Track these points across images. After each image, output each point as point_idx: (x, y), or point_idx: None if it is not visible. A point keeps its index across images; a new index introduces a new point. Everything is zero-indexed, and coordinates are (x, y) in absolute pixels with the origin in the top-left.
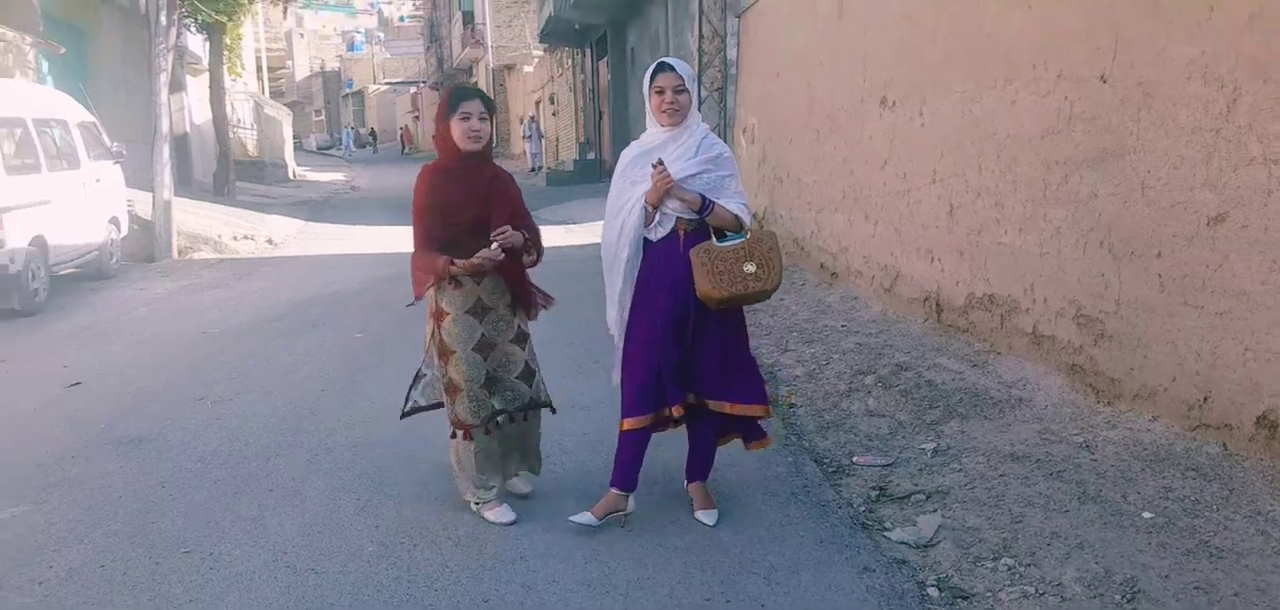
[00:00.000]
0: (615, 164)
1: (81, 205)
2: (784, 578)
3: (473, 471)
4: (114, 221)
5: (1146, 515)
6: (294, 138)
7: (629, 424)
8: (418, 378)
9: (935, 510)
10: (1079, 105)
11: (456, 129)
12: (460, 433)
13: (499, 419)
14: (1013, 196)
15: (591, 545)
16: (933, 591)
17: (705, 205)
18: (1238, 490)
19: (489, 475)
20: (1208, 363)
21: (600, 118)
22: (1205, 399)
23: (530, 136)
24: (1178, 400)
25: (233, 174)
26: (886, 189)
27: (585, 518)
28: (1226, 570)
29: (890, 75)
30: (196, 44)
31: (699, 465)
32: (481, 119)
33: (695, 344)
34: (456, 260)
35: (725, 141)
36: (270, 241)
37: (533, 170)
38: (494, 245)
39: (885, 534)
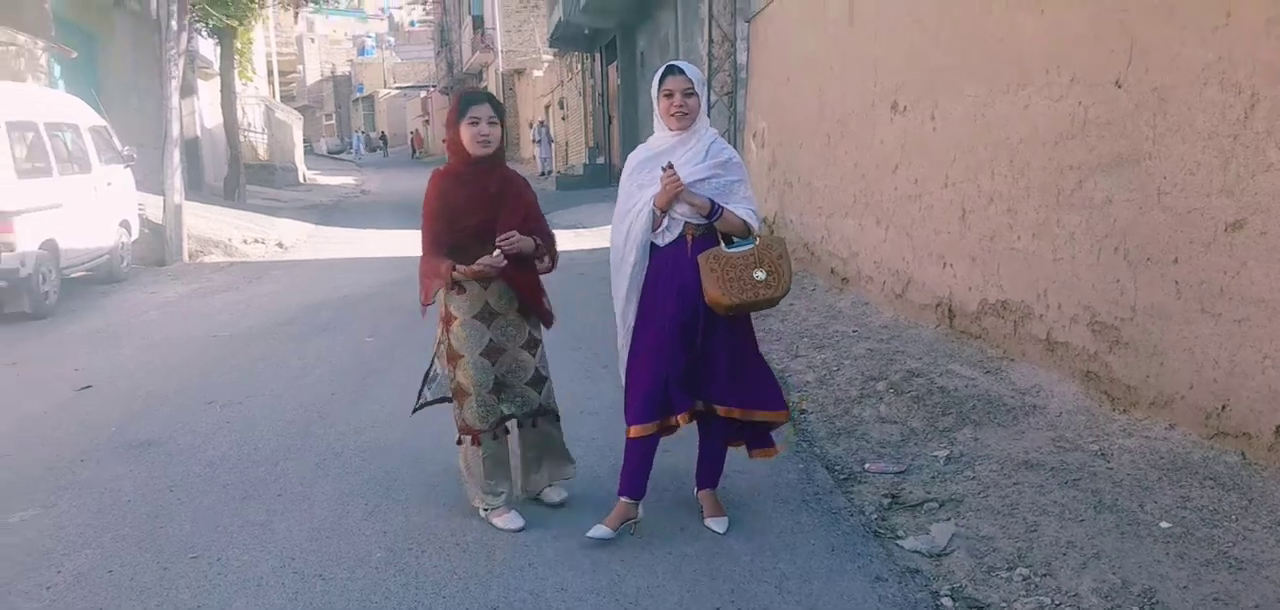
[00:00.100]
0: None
1: (92, 209)
2: (795, 586)
3: (481, 477)
4: (125, 225)
5: (1164, 525)
6: (305, 142)
7: (635, 431)
8: (430, 375)
9: (949, 519)
10: (1093, 110)
11: (465, 133)
12: (468, 438)
13: (507, 424)
14: (1026, 202)
15: (600, 553)
16: (946, 601)
17: (714, 210)
18: (1257, 500)
19: (497, 481)
20: (1226, 370)
21: (610, 122)
22: (1223, 407)
23: (540, 141)
24: (1195, 408)
25: (243, 178)
26: (898, 194)
27: (601, 532)
28: (1247, 581)
29: (901, 79)
30: (208, 48)
31: (709, 472)
32: (490, 123)
33: (704, 350)
34: (459, 266)
35: (735, 146)
36: (280, 245)
37: (542, 174)
38: (496, 251)
39: (898, 542)
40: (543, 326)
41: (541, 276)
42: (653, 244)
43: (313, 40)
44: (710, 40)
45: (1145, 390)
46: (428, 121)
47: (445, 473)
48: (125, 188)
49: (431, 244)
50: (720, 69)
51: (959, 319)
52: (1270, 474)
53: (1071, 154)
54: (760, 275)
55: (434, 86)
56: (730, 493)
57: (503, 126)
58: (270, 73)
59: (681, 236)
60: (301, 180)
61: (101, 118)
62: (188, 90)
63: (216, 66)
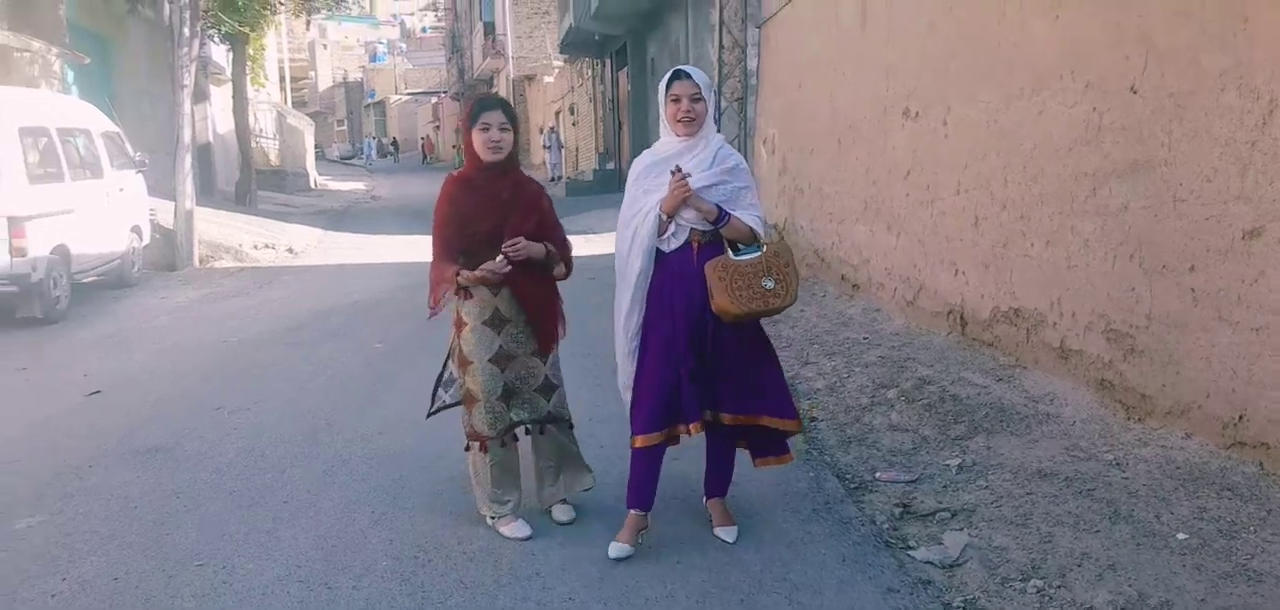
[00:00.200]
0: None
1: (104, 214)
2: (806, 597)
3: (488, 485)
4: (136, 230)
5: (1181, 536)
6: (316, 147)
7: (641, 441)
8: (445, 378)
9: (961, 529)
10: (1108, 116)
11: (477, 139)
12: (476, 444)
13: (516, 432)
14: (1039, 209)
15: (609, 562)
16: None
17: (721, 216)
18: (1275, 511)
19: (505, 490)
20: (1243, 380)
21: (620, 128)
22: (1240, 417)
23: (550, 146)
24: (1212, 418)
25: (254, 183)
26: (909, 200)
27: (622, 550)
28: (1266, 594)
29: (913, 85)
30: (220, 54)
31: (718, 481)
32: (502, 129)
33: (714, 358)
34: (463, 271)
35: (746, 152)
36: (291, 250)
37: (553, 180)
38: (499, 258)
39: (909, 553)
40: (540, 350)
41: (559, 284)
42: (658, 251)
43: (325, 46)
44: (721, 46)
45: (1161, 399)
46: (439, 127)
47: (452, 481)
48: (137, 193)
49: (442, 249)
50: (731, 75)
51: (971, 326)
52: None
53: (1086, 160)
54: (769, 283)
55: (445, 92)
56: (740, 501)
57: (516, 133)
58: (282, 79)
59: (687, 243)
60: (313, 186)
61: (114, 123)
62: (200, 96)
63: (229, 72)
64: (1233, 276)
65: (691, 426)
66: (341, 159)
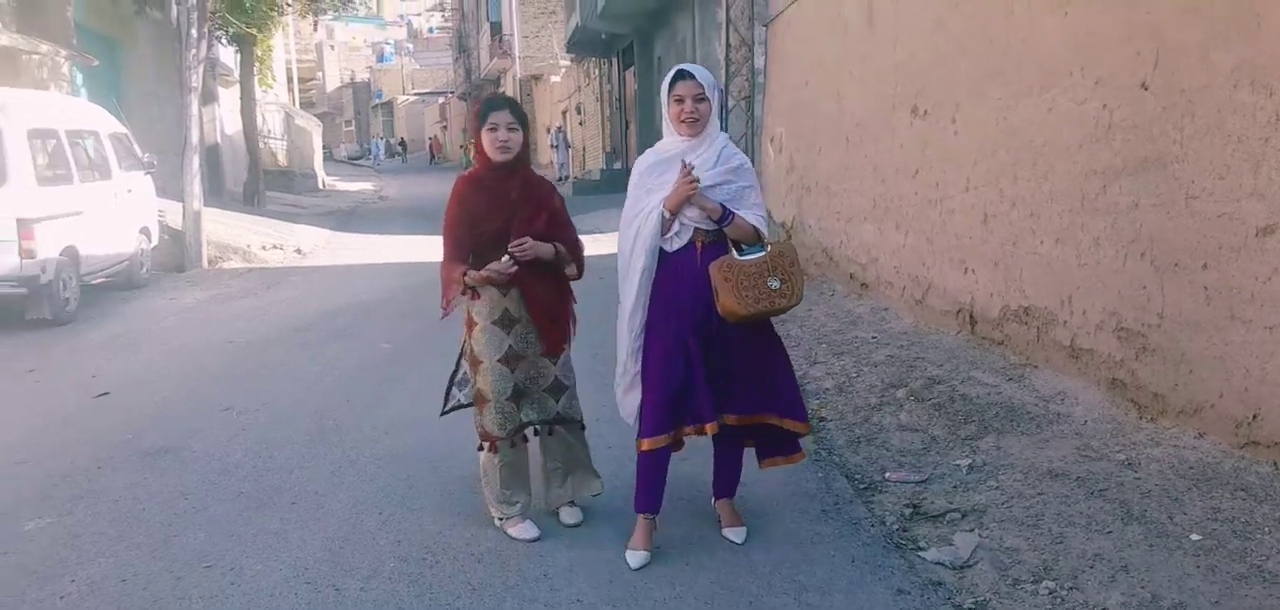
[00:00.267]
0: None
1: (113, 215)
2: (815, 598)
3: (497, 486)
4: (145, 231)
5: (1194, 537)
6: (324, 148)
7: (648, 444)
8: (459, 378)
9: (972, 529)
10: (1119, 113)
11: (486, 139)
12: (487, 445)
13: (527, 433)
14: (1049, 206)
15: (617, 564)
16: None
17: (725, 215)
18: None
19: (514, 491)
20: (1257, 378)
21: (627, 127)
22: (1254, 416)
23: (557, 146)
24: (1225, 417)
25: (262, 184)
26: (918, 199)
27: (640, 557)
28: None
29: (922, 83)
30: (228, 56)
31: (726, 482)
32: (510, 129)
33: (721, 359)
34: (469, 271)
35: (753, 151)
36: (298, 251)
37: (560, 180)
38: (504, 258)
39: (920, 554)
40: (544, 353)
41: (572, 284)
42: (661, 251)
43: (332, 47)
44: (728, 45)
45: (1173, 398)
46: (446, 127)
47: (461, 481)
48: (145, 194)
49: (452, 249)
50: (738, 73)
51: (981, 325)
52: None
53: (1096, 158)
54: (775, 283)
55: (452, 92)
56: (748, 502)
57: (526, 132)
58: (290, 80)
59: (691, 243)
60: (320, 186)
61: (122, 125)
62: (208, 97)
63: (237, 74)
64: (1246, 274)
65: (707, 427)
66: (350, 159)
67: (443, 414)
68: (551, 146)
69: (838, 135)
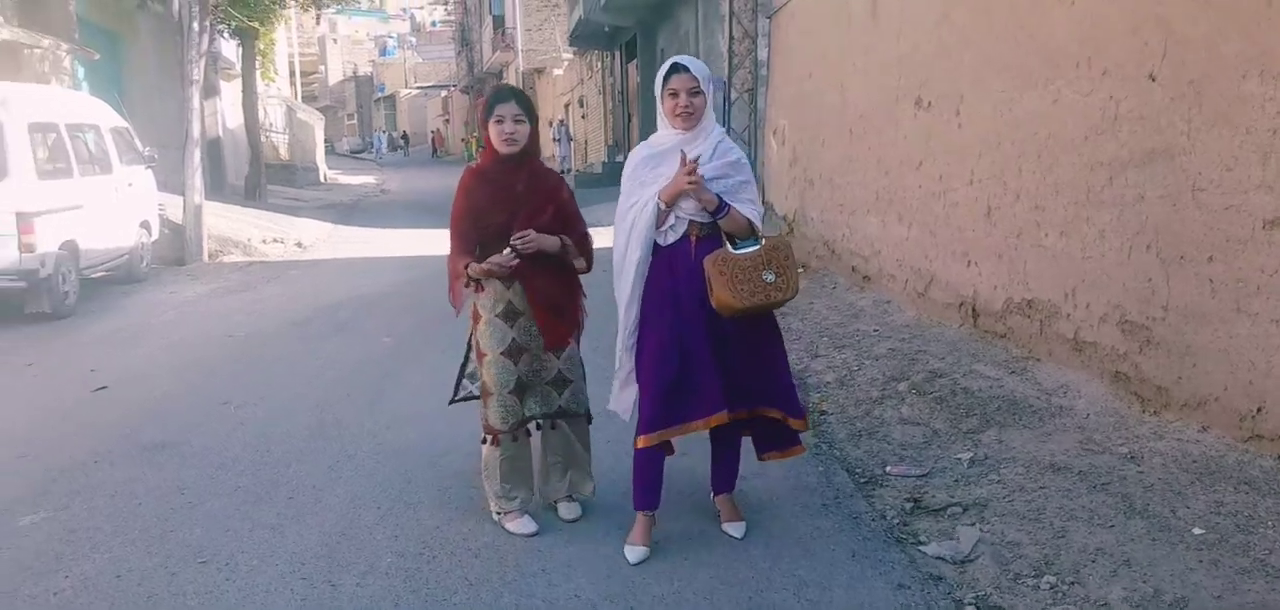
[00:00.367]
0: None
1: (113, 209)
2: (815, 593)
3: (497, 480)
4: (145, 225)
5: (1197, 531)
6: (327, 141)
7: (644, 441)
8: (470, 370)
9: (973, 523)
10: (1125, 104)
11: (492, 132)
12: (489, 438)
13: (529, 428)
14: (1054, 199)
15: (616, 559)
16: None
17: (721, 207)
18: None
19: (513, 485)
20: (1262, 372)
21: (629, 120)
22: (1259, 410)
23: (559, 139)
24: (1229, 410)
25: (264, 178)
26: (921, 191)
27: (639, 552)
28: None
29: (925, 75)
30: (230, 49)
31: (724, 476)
32: (517, 121)
33: (719, 353)
34: (471, 264)
35: (756, 143)
36: (299, 245)
37: (562, 172)
38: (506, 251)
39: (920, 548)
40: (546, 348)
41: (581, 280)
42: (655, 244)
43: (335, 41)
44: (731, 37)
45: (1177, 392)
46: (448, 121)
47: (459, 476)
48: (146, 188)
49: (457, 242)
50: (740, 66)
51: (983, 318)
52: None
53: (1102, 149)
54: (770, 277)
55: (455, 86)
56: (748, 497)
57: (534, 124)
58: (292, 73)
59: (685, 236)
60: (322, 180)
61: (123, 119)
62: (210, 91)
63: (239, 67)
64: (1253, 267)
65: (712, 419)
66: (352, 153)
67: (451, 403)
68: (554, 140)
69: (841, 127)
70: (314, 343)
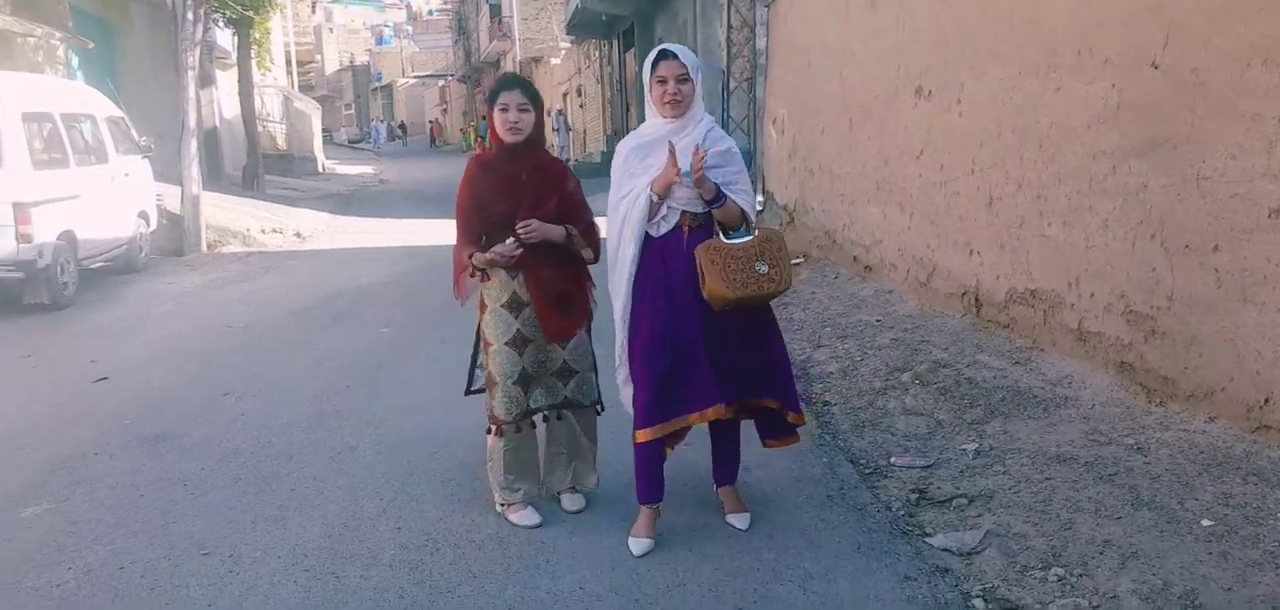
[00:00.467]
0: None
1: (110, 200)
2: (820, 586)
3: (500, 471)
4: (143, 216)
5: (1205, 523)
6: (324, 131)
7: (643, 436)
8: (483, 360)
9: (980, 515)
10: (1128, 93)
11: (497, 120)
12: (493, 428)
13: (534, 418)
14: (1056, 188)
15: (620, 551)
16: (978, 602)
17: (717, 197)
18: None
19: (517, 477)
20: (1269, 361)
21: (628, 109)
22: (1266, 400)
23: (558, 129)
24: (1236, 401)
25: (262, 168)
26: (922, 181)
27: (644, 545)
28: None
29: (926, 63)
30: (226, 39)
31: (726, 468)
32: (521, 110)
33: (712, 346)
34: (475, 254)
35: (755, 133)
36: (298, 235)
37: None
38: (509, 240)
39: (926, 540)
40: (549, 339)
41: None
42: (646, 235)
43: (331, 30)
44: (729, 26)
45: (1183, 382)
46: (446, 110)
47: (461, 467)
48: (143, 178)
49: (462, 232)
50: (739, 55)
51: (986, 308)
52: None
53: (1104, 138)
54: (763, 268)
55: (452, 75)
56: (752, 488)
57: (539, 112)
58: (288, 63)
59: (678, 227)
60: (320, 170)
61: (119, 108)
62: (206, 81)
63: (235, 56)
64: (1258, 256)
65: (710, 411)
66: (350, 143)
67: (467, 393)
68: (553, 129)
69: (841, 116)
70: (313, 333)
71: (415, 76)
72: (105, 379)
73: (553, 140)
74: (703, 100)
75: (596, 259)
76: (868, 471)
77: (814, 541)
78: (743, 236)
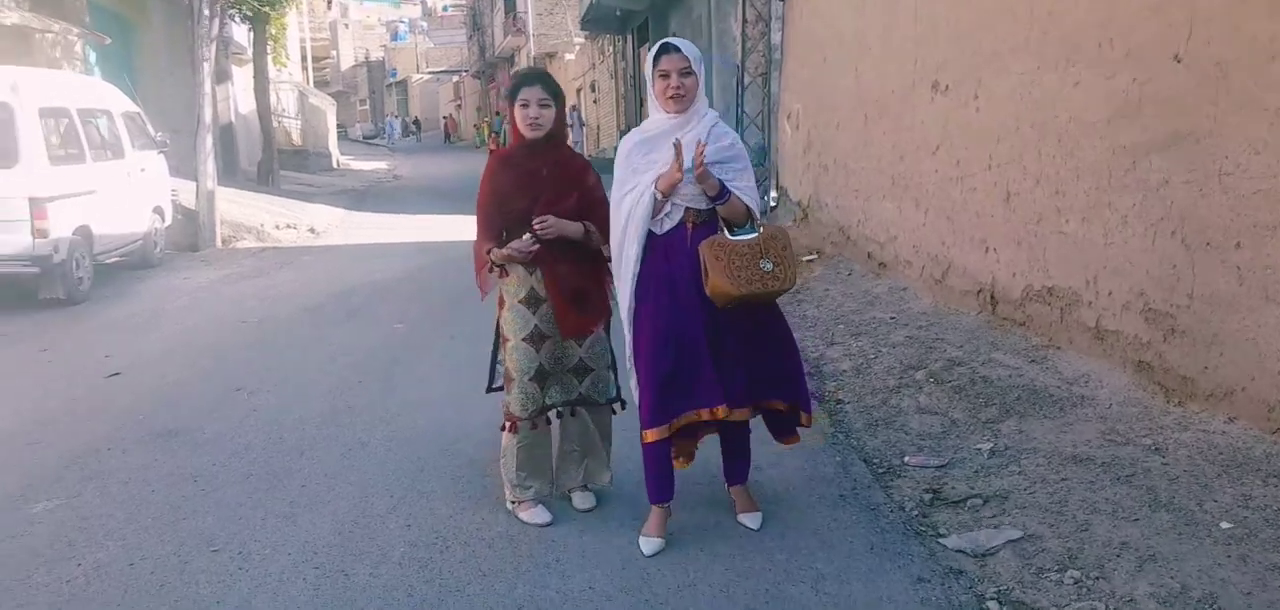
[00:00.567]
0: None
1: (126, 195)
2: (833, 587)
3: (512, 469)
4: (158, 211)
5: (1225, 525)
6: (339, 127)
7: (650, 436)
8: (500, 358)
9: (996, 517)
10: (1149, 87)
11: (517, 116)
12: (508, 424)
13: (549, 415)
14: (1075, 184)
15: (630, 550)
16: (992, 605)
17: (722, 193)
18: None
19: (529, 474)
20: None
21: (641, 105)
22: None
23: (572, 124)
24: (1257, 401)
25: (277, 163)
26: (938, 176)
27: (655, 544)
28: None
29: (943, 58)
30: (241, 34)
31: (737, 467)
32: (542, 105)
33: (717, 344)
34: (493, 250)
35: (769, 128)
36: (312, 230)
37: None
38: (526, 236)
39: (940, 541)
40: (564, 337)
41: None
42: (650, 232)
43: (346, 26)
44: (744, 20)
45: (1203, 381)
46: (460, 106)
47: (472, 464)
48: (159, 174)
49: (483, 227)
50: (754, 49)
51: (1002, 306)
52: None
53: (1125, 133)
54: (768, 265)
55: (467, 70)
56: (764, 487)
57: (560, 107)
58: (304, 58)
59: (681, 223)
60: (335, 165)
61: (135, 104)
62: (222, 76)
63: (250, 52)
64: None
65: (718, 410)
66: (365, 139)
67: (488, 391)
68: (567, 125)
69: (856, 111)
70: (326, 329)
71: (430, 72)
72: (118, 374)
73: (567, 135)
74: (706, 95)
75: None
76: (881, 471)
77: (826, 542)
78: (747, 233)
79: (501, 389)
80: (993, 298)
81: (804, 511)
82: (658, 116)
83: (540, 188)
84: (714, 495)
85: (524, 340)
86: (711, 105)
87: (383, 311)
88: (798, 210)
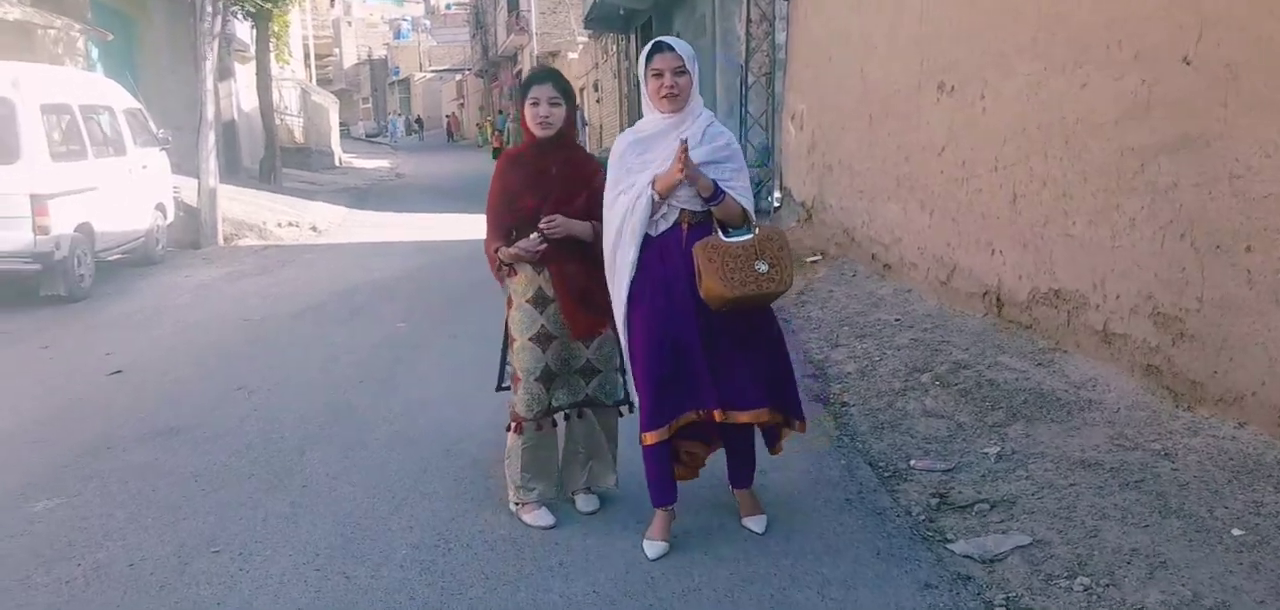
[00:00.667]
0: None
1: (127, 192)
2: (839, 593)
3: (516, 470)
4: (160, 208)
5: (1236, 532)
6: (342, 125)
7: (651, 438)
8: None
9: (1003, 522)
10: (1158, 88)
11: (528, 114)
12: (513, 425)
13: (555, 417)
14: (1082, 186)
15: (634, 554)
16: None
17: (716, 193)
18: None
19: (533, 475)
20: None
21: None
22: None
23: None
24: (1268, 406)
25: (279, 161)
26: (944, 177)
27: (658, 547)
28: None
29: (949, 58)
30: (244, 31)
31: (741, 471)
32: (552, 104)
33: (711, 348)
34: (501, 248)
35: (773, 129)
36: (314, 228)
37: None
38: (534, 235)
39: (948, 546)
40: (574, 336)
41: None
42: (645, 234)
43: (349, 23)
44: (748, 20)
45: (1212, 386)
46: (463, 104)
47: (474, 465)
48: (161, 171)
49: (493, 225)
50: (758, 50)
51: (1008, 308)
52: None
53: (1133, 135)
54: (763, 267)
55: (469, 69)
56: (769, 491)
57: (571, 106)
58: (307, 56)
59: (676, 224)
60: (337, 163)
61: (137, 101)
62: (225, 73)
63: (253, 50)
64: None
65: (712, 411)
66: (368, 137)
67: (498, 390)
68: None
69: (861, 112)
70: (328, 327)
71: (432, 71)
72: (120, 372)
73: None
74: (706, 94)
75: None
76: (887, 475)
77: (832, 546)
78: (743, 235)
79: (510, 388)
80: (999, 300)
81: (809, 515)
82: (652, 116)
83: (549, 187)
84: (718, 498)
85: (530, 340)
86: (715, 105)
87: (385, 310)
88: (802, 211)
